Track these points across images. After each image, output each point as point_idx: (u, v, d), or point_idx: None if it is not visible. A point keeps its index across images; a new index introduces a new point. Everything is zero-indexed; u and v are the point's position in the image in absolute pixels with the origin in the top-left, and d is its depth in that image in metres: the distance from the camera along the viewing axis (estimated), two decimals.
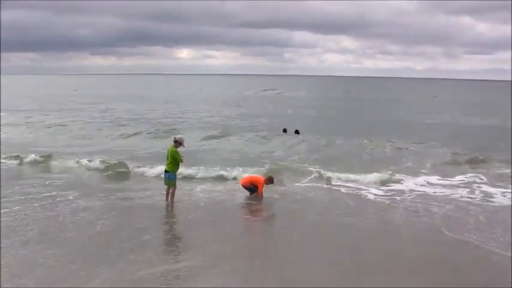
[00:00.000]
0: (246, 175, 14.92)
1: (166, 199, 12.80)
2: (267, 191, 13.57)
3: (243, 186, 13.76)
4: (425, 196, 13.72)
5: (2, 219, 10.88)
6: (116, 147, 22.51)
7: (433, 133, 27.49)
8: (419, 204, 12.83)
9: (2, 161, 18.16)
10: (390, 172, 15.91)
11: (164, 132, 26.50)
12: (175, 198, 12.82)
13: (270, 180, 13.90)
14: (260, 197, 13.47)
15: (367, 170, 16.06)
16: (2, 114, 33.69)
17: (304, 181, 15.47)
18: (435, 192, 14.10)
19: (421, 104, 57.38)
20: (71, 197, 13.02)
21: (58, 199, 12.81)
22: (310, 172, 16.20)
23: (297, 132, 25.98)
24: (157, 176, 15.21)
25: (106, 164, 17.17)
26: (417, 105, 55.27)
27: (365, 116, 40.09)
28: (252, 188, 13.58)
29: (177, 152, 12.65)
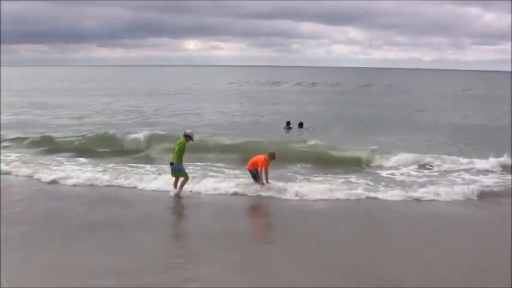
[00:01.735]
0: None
1: (175, 187, 13.05)
2: None
3: (249, 170, 13.39)
4: None
5: None
6: None
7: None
8: None
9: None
10: None
11: None
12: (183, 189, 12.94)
13: (271, 157, 13.21)
14: (262, 174, 13.00)
15: None
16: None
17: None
18: None
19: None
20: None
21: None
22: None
23: (300, 125, 23.78)
24: None
25: None
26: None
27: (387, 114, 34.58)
28: (256, 173, 13.17)
29: (184, 147, 12.84)
